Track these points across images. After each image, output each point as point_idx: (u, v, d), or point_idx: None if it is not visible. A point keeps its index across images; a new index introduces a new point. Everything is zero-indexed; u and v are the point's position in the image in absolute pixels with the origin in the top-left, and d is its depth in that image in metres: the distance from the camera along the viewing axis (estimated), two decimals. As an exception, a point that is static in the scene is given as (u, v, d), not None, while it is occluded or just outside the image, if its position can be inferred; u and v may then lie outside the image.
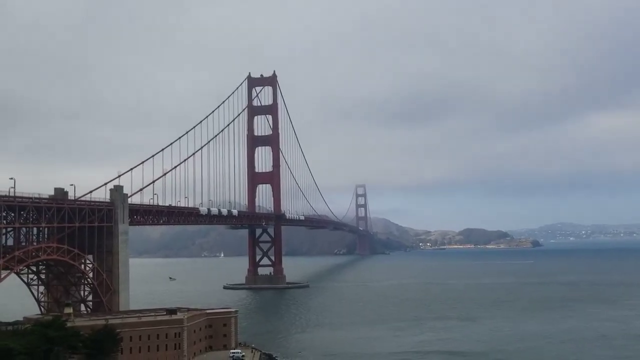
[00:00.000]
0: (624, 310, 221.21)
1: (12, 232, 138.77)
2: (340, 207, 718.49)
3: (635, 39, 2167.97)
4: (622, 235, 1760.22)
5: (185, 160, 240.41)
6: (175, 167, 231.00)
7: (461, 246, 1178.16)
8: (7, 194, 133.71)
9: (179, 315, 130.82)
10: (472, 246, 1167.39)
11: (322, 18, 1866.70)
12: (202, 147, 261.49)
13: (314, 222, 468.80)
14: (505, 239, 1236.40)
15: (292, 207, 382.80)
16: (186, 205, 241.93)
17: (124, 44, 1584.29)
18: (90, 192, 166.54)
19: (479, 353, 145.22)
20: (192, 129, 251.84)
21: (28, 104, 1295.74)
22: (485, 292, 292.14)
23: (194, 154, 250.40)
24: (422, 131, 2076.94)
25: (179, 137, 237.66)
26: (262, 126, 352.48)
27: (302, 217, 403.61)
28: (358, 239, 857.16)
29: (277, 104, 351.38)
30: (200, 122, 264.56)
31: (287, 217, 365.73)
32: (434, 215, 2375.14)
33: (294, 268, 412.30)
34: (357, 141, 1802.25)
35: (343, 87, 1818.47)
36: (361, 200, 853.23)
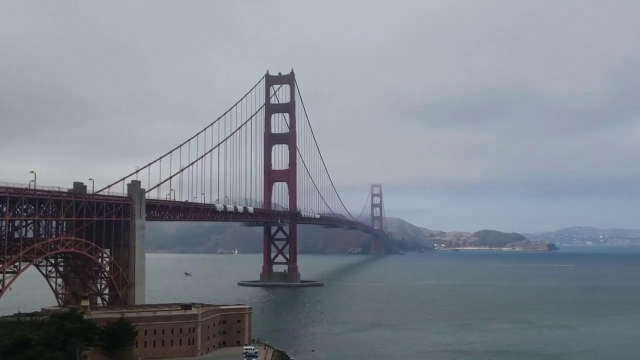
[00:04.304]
0: None
1: (32, 224, 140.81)
2: (355, 206, 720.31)
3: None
4: None
5: (202, 157, 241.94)
6: (192, 163, 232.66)
7: (476, 248, 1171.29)
8: (28, 187, 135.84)
9: (193, 311, 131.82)
10: (487, 248, 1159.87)
11: (379, 19, 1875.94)
12: (219, 144, 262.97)
13: (330, 221, 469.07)
14: (521, 242, 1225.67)
15: (307, 205, 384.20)
16: (202, 202, 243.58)
17: (180, 38, 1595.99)
18: (108, 186, 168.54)
19: (497, 354, 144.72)
20: (209, 125, 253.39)
21: (80, 99, 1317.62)
22: (502, 294, 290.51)
23: (210, 150, 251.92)
24: (451, 133, 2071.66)
25: (197, 134, 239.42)
26: (279, 124, 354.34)
27: (317, 216, 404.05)
28: (373, 239, 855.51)
29: (294, 102, 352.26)
30: (218, 119, 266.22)
31: (303, 215, 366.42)
32: (449, 216, 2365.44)
33: (308, 266, 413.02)
34: (378, 141, 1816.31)
35: (390, 86, 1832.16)
36: (377, 200, 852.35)
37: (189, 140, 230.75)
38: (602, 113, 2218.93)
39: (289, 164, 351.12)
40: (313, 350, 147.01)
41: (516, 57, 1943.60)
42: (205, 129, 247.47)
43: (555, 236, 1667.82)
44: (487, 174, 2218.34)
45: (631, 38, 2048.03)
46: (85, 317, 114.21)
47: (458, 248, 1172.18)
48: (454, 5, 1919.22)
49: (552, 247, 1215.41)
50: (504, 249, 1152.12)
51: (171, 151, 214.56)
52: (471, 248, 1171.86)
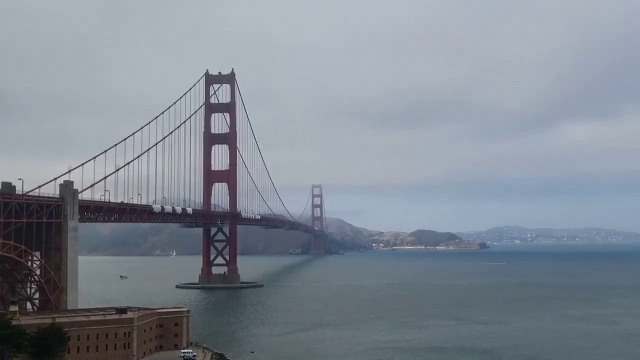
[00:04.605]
0: (607, 309, 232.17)
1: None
2: (296, 206, 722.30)
3: (608, 50, 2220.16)
4: (565, 239, 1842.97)
5: (139, 156, 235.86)
6: (129, 163, 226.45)
7: (412, 247, 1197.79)
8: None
9: (129, 315, 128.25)
10: (423, 247, 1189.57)
11: (321, 21, 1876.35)
12: (157, 144, 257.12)
13: (270, 222, 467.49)
14: (454, 241, 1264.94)
15: (248, 206, 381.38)
16: (139, 203, 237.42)
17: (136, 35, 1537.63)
18: (39, 187, 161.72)
19: (437, 350, 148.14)
20: (147, 124, 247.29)
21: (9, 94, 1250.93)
22: (439, 292, 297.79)
23: (148, 150, 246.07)
24: (390, 135, 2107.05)
25: (133, 133, 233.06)
26: (219, 124, 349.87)
27: (258, 217, 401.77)
28: (313, 239, 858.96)
29: (235, 102, 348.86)
30: (156, 117, 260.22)
31: (243, 216, 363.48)
32: (387, 216, 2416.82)
33: (248, 267, 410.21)
34: (319, 141, 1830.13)
35: (331, 88, 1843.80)
36: (317, 201, 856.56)
37: (124, 139, 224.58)
38: (533, 119, 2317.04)
39: (229, 165, 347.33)
40: (252, 352, 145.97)
41: (452, 63, 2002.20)
42: (142, 127, 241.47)
43: (487, 235, 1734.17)
44: (424, 175, 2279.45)
45: (560, 50, 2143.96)
46: (14, 323, 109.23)
47: (395, 247, 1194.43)
48: (393, 12, 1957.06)
49: (483, 246, 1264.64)
50: (439, 248, 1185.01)
51: (106, 150, 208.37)
52: (408, 247, 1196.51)
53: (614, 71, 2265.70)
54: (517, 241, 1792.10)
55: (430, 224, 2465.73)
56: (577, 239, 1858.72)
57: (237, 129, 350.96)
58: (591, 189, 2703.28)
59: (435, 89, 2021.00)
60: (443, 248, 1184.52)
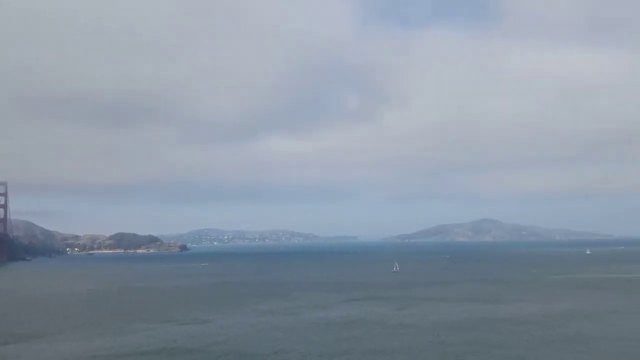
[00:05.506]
0: (291, 302, 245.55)
1: None
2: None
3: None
4: (257, 240, 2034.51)
5: None
6: None
7: (111, 251, 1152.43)
8: None
9: None
10: (123, 250, 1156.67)
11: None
12: None
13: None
14: (156, 243, 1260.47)
15: None
16: None
17: None
18: None
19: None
20: None
21: None
22: (143, 296, 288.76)
23: None
24: (93, 133, 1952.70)
25: None
26: None
27: None
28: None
29: None
30: None
31: None
32: (84, 219, 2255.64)
33: None
34: (4, 133, 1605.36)
35: (28, 76, 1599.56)
36: (1, 200, 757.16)
37: None
38: (241, 129, 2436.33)
39: None
40: None
41: (170, 66, 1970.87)
42: None
43: (187, 237, 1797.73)
44: (127, 177, 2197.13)
45: (270, 68, 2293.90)
46: None
47: (92, 252, 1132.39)
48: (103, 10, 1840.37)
49: (184, 248, 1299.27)
50: (139, 251, 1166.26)
51: None
52: (107, 251, 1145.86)
53: (315, 94, 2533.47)
54: (215, 243, 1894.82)
55: (132, 226, 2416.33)
56: (266, 239, 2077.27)
57: None
58: (280, 196, 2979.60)
59: (149, 90, 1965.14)
60: (144, 251, 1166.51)
